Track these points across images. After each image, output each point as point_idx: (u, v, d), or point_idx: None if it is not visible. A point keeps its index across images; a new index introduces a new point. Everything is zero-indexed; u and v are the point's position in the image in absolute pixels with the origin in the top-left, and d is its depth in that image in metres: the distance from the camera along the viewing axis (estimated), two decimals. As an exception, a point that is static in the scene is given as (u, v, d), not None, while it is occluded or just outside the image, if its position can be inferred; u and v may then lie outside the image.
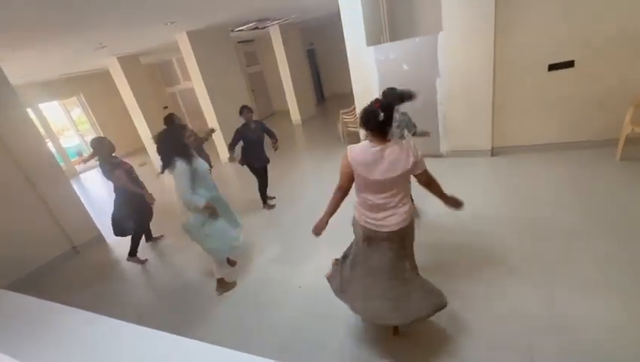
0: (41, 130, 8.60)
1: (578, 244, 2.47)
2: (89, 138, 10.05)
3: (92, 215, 4.42)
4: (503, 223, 2.90)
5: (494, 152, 4.24)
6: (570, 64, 3.56)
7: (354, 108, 5.51)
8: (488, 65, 3.79)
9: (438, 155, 4.55)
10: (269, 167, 4.12)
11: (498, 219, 2.98)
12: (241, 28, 6.89)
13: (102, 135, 9.59)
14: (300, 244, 3.30)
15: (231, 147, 3.81)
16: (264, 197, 4.24)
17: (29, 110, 8.19)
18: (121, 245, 4.19)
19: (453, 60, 3.94)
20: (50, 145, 8.70)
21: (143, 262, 3.62)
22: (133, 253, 3.63)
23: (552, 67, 3.63)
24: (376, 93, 4.56)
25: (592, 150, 3.76)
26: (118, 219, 3.44)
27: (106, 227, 4.58)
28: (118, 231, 3.53)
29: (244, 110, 3.77)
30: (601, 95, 3.57)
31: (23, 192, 3.71)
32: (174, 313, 2.75)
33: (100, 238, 4.38)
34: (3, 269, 3.51)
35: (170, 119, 3.98)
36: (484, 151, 4.25)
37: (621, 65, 3.39)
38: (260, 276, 2.96)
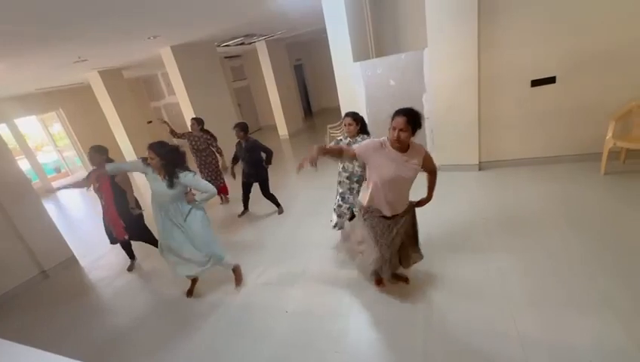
0: (16, 146, 8.23)
1: (562, 256, 2.42)
2: (68, 154, 9.70)
3: (66, 236, 4.15)
4: (486, 235, 2.84)
5: (482, 167, 4.25)
6: (551, 80, 3.63)
7: (341, 123, 5.48)
8: (473, 81, 3.83)
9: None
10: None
11: (479, 225, 2.93)
12: (228, 43, 6.87)
13: (82, 150, 9.27)
14: (287, 264, 3.15)
15: (232, 161, 4.07)
16: (245, 204, 4.39)
17: (2, 125, 7.85)
18: (96, 268, 3.94)
19: (439, 76, 3.98)
20: (25, 161, 8.32)
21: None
22: (133, 255, 3.71)
23: (535, 83, 3.70)
24: (363, 108, 4.54)
25: (576, 164, 3.80)
26: (128, 222, 3.32)
27: (80, 248, 4.34)
28: (133, 233, 3.41)
29: (235, 129, 3.83)
30: (582, 110, 3.64)
31: (-13, 213, 3.44)
32: (143, 346, 2.52)
33: (72, 261, 4.08)
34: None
35: (201, 121, 4.28)
36: (471, 166, 4.25)
37: (601, 80, 3.48)
38: (244, 301, 2.78)
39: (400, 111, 1.89)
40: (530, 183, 3.67)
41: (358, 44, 4.60)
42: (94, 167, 3.04)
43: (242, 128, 3.82)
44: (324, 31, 4.51)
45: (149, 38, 4.55)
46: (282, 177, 5.80)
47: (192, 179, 2.46)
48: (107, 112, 7.33)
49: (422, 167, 2.04)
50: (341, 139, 2.86)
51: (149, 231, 3.49)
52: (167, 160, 2.38)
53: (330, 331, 2.26)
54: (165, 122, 4.69)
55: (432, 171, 2.17)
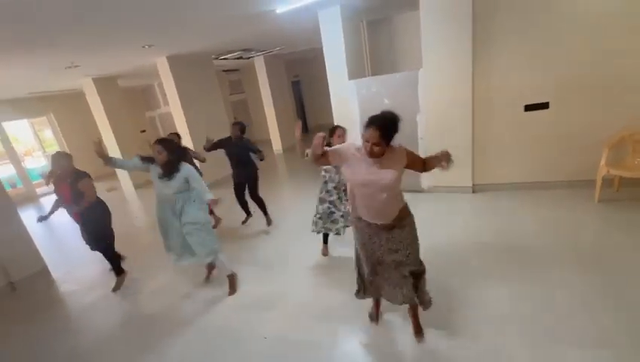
0: (1, 149, 8.03)
1: (559, 288, 2.30)
2: (56, 160, 9.47)
3: (42, 245, 3.94)
4: (480, 262, 2.72)
5: (475, 189, 4.18)
6: (545, 105, 3.63)
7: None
8: (467, 104, 3.82)
9: (419, 190, 4.44)
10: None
11: (473, 251, 2.81)
12: (225, 56, 6.89)
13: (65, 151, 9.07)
14: (271, 285, 2.98)
15: (204, 148, 3.87)
16: (245, 209, 4.27)
17: (-11, 128, 7.67)
18: (68, 280, 3.70)
19: (433, 97, 3.97)
20: (10, 166, 8.09)
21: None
22: (120, 270, 3.33)
23: (529, 108, 3.69)
24: (357, 126, 4.49)
25: (570, 190, 3.75)
26: (100, 233, 3.16)
27: (55, 259, 4.11)
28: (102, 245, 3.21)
29: (232, 126, 3.87)
30: (576, 136, 3.63)
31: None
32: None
33: (44, 272, 3.84)
34: None
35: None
36: (464, 188, 4.17)
37: (594, 107, 3.48)
38: (219, 322, 2.58)
39: (373, 122, 1.66)
40: (524, 208, 3.59)
41: (354, 63, 4.62)
42: (58, 171, 3.01)
43: (242, 129, 3.85)
44: (321, 49, 4.53)
45: (143, 46, 4.51)
46: (274, 191, 5.68)
47: (191, 171, 2.66)
48: (99, 120, 7.21)
49: (409, 168, 1.82)
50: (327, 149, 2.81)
51: (105, 242, 3.23)
52: (175, 155, 2.62)
53: (310, 363, 2.08)
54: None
55: (423, 164, 1.87)
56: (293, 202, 5.10)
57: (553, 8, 3.33)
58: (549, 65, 3.50)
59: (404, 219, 1.88)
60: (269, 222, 4.14)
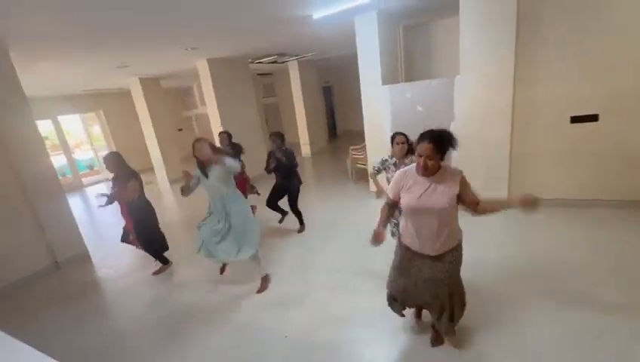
0: (56, 142, 8.78)
1: (605, 321, 2.11)
2: (102, 153, 10.21)
3: (84, 231, 4.24)
4: (516, 284, 2.56)
5: (511, 203, 3.96)
6: (594, 118, 3.39)
7: (364, 146, 5.41)
8: (506, 114, 3.65)
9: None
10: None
11: (510, 272, 2.65)
12: (261, 60, 7.11)
13: (112, 151, 9.73)
14: (295, 283, 3.00)
15: (271, 168, 3.86)
16: (279, 210, 4.23)
17: (47, 121, 8.43)
18: (105, 265, 3.95)
19: (470, 105, 3.83)
20: (62, 157, 8.82)
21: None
22: (165, 261, 3.57)
23: (575, 119, 3.46)
24: (387, 132, 4.44)
25: (619, 210, 3.45)
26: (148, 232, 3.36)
27: (95, 244, 4.41)
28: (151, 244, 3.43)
29: (272, 137, 3.83)
30: (627, 152, 3.35)
31: (15, 202, 3.58)
32: (134, 354, 2.42)
33: (84, 256, 4.14)
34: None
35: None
36: (499, 201, 3.97)
37: (650, 123, 3.20)
38: (243, 318, 2.64)
39: (425, 137, 1.64)
40: (563, 227, 3.35)
41: (388, 68, 4.58)
42: (112, 173, 3.21)
43: (282, 137, 3.83)
44: (354, 54, 4.54)
45: (186, 49, 4.77)
46: (302, 194, 5.72)
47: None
48: (142, 117, 7.70)
49: (459, 200, 1.69)
50: (387, 160, 2.70)
51: (154, 241, 3.46)
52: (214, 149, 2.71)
53: (329, 366, 2.06)
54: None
55: (472, 203, 1.70)
56: (321, 205, 5.11)
57: (607, 13, 3.12)
58: (600, 74, 3.27)
59: (454, 250, 1.79)
60: (301, 230, 4.15)
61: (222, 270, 3.31)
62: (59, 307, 3.17)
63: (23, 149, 3.62)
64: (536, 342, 2.01)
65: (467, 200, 1.69)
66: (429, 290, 1.84)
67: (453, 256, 1.78)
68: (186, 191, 2.77)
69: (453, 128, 4.03)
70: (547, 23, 3.33)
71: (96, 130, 10.17)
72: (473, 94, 3.77)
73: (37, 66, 4.42)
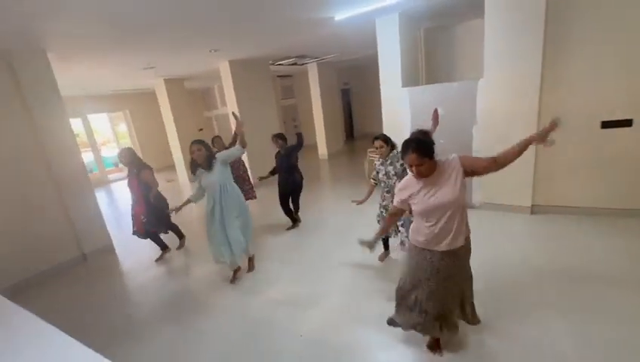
0: (85, 139, 9.20)
1: (630, 331, 2.00)
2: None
3: (109, 224, 4.43)
4: (537, 292, 2.47)
5: (534, 210, 3.83)
6: (627, 123, 3.23)
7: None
8: (532, 118, 3.53)
9: (469, 206, 4.19)
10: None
11: (527, 280, 2.55)
12: (281, 62, 7.20)
13: (139, 149, 10.13)
14: (310, 285, 3.01)
15: (271, 173, 4.13)
16: (289, 216, 4.33)
17: (78, 119, 8.85)
18: (128, 258, 4.12)
19: (493, 109, 3.73)
20: (90, 154, 9.24)
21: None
22: (181, 234, 4.06)
23: (607, 125, 3.31)
24: (406, 135, 4.38)
25: (653, 221, 3.27)
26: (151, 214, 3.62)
27: (119, 237, 4.59)
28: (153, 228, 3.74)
29: (275, 138, 4.02)
30: (664, 160, 3.17)
31: (49, 197, 3.80)
32: (151, 341, 2.50)
33: (109, 248, 4.33)
34: (11, 268, 3.49)
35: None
36: (522, 208, 3.84)
37: (690, 129, 3.02)
38: (259, 315, 2.67)
39: (407, 148, 1.67)
40: (592, 237, 3.20)
41: (409, 70, 4.55)
42: (125, 166, 3.57)
43: (282, 137, 4.03)
44: (373, 57, 4.53)
45: (210, 50, 4.90)
46: (318, 194, 5.76)
47: (223, 152, 3.05)
48: (165, 117, 7.96)
49: (474, 174, 1.69)
50: (375, 164, 2.96)
51: (172, 224, 3.96)
52: (210, 152, 2.92)
53: (345, 366, 2.06)
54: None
55: (487, 165, 1.67)
56: (336, 206, 5.11)
57: (644, 15, 2.97)
58: (635, 76, 3.11)
59: (467, 241, 1.85)
60: (293, 226, 4.31)
61: (233, 278, 3.19)
62: (85, 293, 3.35)
63: (58, 147, 3.82)
64: (554, 347, 1.93)
65: (480, 166, 1.69)
66: (450, 289, 1.85)
67: (465, 248, 1.83)
68: (197, 195, 3.06)
69: (475, 131, 3.94)
70: (579, 22, 3.20)
71: (122, 128, 10.60)
72: (497, 97, 3.68)
73: (72, 68, 4.66)
